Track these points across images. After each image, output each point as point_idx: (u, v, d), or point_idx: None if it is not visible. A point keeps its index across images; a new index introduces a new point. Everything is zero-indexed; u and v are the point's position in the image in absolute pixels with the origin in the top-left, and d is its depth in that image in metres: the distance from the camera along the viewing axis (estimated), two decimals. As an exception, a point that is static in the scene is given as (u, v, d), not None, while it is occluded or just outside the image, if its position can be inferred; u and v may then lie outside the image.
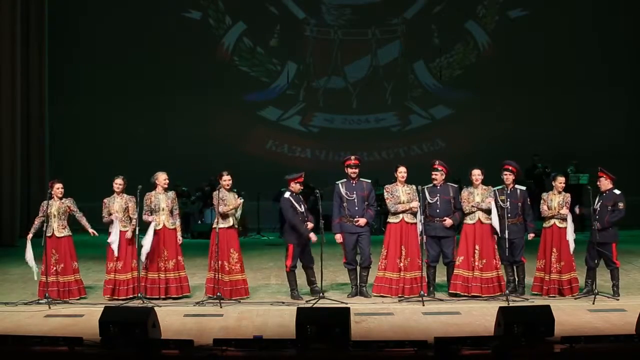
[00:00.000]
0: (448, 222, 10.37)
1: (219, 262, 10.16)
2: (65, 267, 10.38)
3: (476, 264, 10.24)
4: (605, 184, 10.34)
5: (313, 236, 10.31)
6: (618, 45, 20.28)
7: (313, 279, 10.39)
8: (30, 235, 10.49)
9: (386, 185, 10.61)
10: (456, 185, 10.64)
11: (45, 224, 10.25)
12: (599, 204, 10.27)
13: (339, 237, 10.46)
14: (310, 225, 10.36)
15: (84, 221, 10.51)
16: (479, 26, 20.79)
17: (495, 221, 10.16)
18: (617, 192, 10.33)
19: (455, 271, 10.34)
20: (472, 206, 10.32)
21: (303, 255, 10.41)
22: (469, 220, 10.37)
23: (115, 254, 10.30)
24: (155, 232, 10.32)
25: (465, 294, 10.22)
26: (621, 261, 10.59)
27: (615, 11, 20.36)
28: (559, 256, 10.30)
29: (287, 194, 10.48)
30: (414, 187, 10.43)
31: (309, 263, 10.42)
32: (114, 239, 10.32)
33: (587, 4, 20.47)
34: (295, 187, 10.42)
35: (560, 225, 10.33)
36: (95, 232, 10.50)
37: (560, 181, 10.45)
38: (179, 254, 10.50)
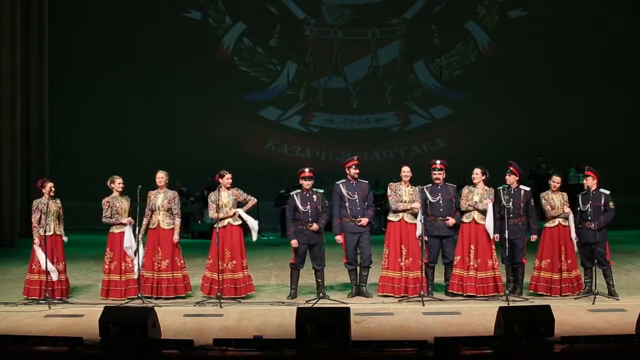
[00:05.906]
0: (451, 221, 10.36)
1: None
2: (63, 266, 10.40)
3: (471, 263, 10.25)
4: (592, 182, 10.34)
5: (315, 226, 10.24)
6: (618, 45, 20.27)
7: (319, 280, 10.32)
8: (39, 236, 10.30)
9: (390, 183, 10.58)
10: (454, 185, 10.63)
11: (44, 223, 10.22)
12: (589, 203, 10.26)
13: (339, 238, 10.44)
14: (314, 226, 10.26)
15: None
16: (479, 26, 20.76)
17: (488, 223, 10.15)
18: (606, 191, 10.33)
19: (452, 270, 10.35)
20: (469, 204, 10.31)
21: (312, 256, 10.39)
22: (465, 219, 10.36)
23: (133, 258, 10.24)
24: (150, 231, 10.37)
25: (461, 294, 10.24)
26: (621, 261, 10.61)
27: (615, 11, 20.32)
28: (567, 254, 10.33)
29: (294, 192, 10.48)
30: (417, 189, 10.41)
31: (316, 266, 10.34)
32: (128, 245, 10.25)
33: (587, 4, 20.44)
34: (303, 183, 10.40)
35: (564, 224, 10.34)
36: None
37: (556, 181, 10.44)
38: (175, 255, 10.40)
